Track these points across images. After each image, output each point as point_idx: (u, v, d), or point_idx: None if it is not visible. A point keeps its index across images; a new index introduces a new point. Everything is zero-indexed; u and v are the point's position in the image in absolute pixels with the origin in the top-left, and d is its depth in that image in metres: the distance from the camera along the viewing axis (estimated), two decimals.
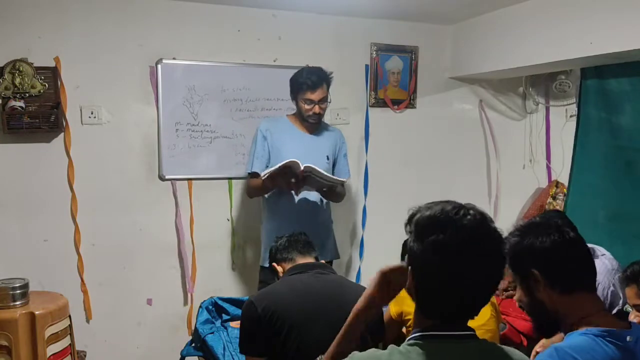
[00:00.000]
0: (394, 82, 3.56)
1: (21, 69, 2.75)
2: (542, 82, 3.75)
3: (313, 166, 2.57)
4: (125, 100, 3.00)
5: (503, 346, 1.21)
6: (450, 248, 1.08)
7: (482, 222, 1.12)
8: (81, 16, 2.87)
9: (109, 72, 2.94)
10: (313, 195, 2.82)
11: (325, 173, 2.68)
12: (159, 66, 3.02)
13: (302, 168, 2.54)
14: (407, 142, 3.63)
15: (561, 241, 1.35)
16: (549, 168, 3.92)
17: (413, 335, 1.15)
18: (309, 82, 2.69)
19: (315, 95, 2.72)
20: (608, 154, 3.03)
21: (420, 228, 1.13)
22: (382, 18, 3.44)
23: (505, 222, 4.17)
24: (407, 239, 1.18)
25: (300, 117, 2.83)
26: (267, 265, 2.74)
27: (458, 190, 3.72)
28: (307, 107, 2.75)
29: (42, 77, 2.80)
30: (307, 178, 2.61)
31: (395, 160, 3.61)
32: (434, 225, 1.11)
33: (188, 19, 3.06)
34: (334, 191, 2.81)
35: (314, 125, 2.85)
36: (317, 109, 2.74)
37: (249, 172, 2.84)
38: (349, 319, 1.32)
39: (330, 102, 2.85)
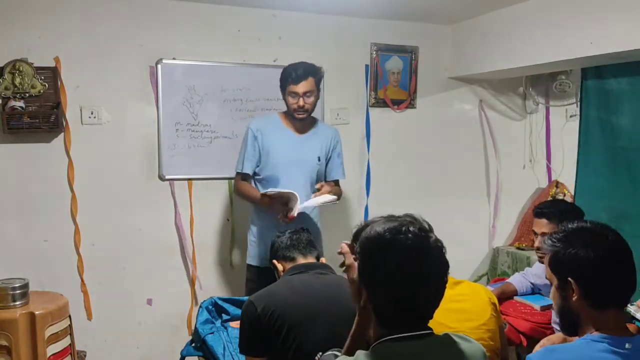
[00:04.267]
0: (394, 82, 3.56)
1: (21, 69, 2.75)
2: (542, 82, 3.75)
3: (305, 206, 2.60)
4: (125, 100, 3.00)
5: (462, 339, 1.27)
6: (393, 268, 1.18)
7: (422, 240, 1.20)
8: (81, 16, 2.88)
9: (109, 72, 2.94)
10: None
11: (318, 202, 2.67)
12: (159, 66, 3.02)
13: (295, 213, 2.55)
14: (407, 142, 3.63)
15: (605, 257, 1.34)
16: (549, 168, 3.92)
17: (374, 343, 1.21)
18: (293, 74, 2.65)
19: (299, 88, 2.65)
20: (610, 155, 3.03)
21: (365, 250, 1.24)
22: (382, 18, 3.44)
23: (505, 222, 4.19)
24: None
25: (290, 114, 2.76)
26: (263, 265, 2.73)
27: (458, 190, 3.73)
28: (292, 100, 2.68)
29: (42, 77, 2.80)
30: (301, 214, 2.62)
31: (396, 160, 3.60)
32: (376, 246, 1.21)
33: (188, 19, 3.07)
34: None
35: (303, 123, 2.78)
36: (301, 102, 2.66)
37: (239, 172, 2.79)
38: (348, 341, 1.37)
39: (318, 99, 2.75)
